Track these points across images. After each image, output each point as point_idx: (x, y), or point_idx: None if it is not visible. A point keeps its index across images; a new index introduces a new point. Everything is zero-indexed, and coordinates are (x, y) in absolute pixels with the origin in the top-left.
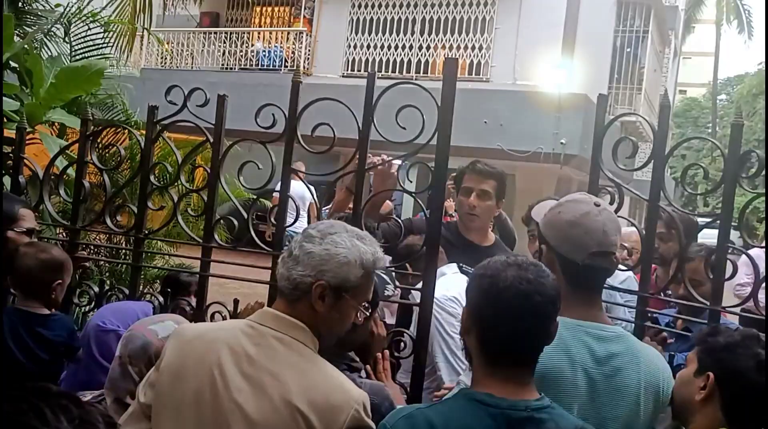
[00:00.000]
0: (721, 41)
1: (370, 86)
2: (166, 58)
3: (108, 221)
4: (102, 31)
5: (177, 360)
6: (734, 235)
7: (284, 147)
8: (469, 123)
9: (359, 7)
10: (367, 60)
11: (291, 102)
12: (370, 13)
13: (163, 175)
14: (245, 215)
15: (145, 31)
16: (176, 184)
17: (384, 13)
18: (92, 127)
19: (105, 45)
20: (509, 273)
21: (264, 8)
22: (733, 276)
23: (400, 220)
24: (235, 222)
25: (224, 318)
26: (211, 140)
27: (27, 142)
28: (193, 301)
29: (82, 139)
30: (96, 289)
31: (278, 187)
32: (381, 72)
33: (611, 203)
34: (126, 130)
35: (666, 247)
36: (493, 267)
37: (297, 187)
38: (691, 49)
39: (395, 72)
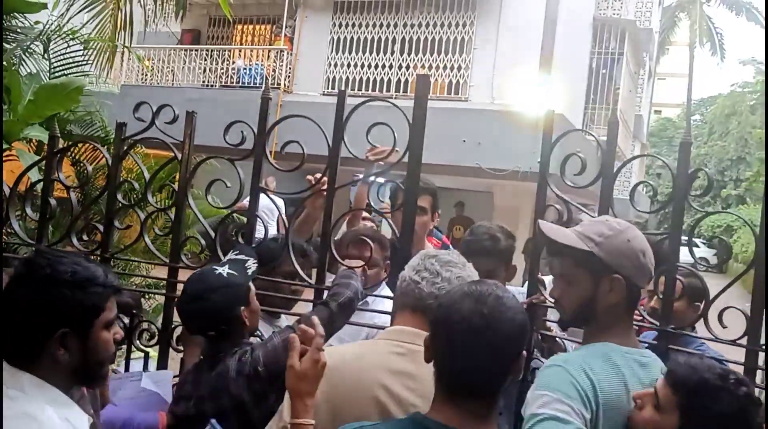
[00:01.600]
0: (694, 63)
1: (341, 104)
2: (147, 75)
3: (74, 240)
4: (81, 48)
5: (330, 390)
6: (708, 252)
7: (253, 164)
8: (448, 142)
9: (340, 26)
10: (347, 78)
11: (260, 119)
12: (351, 32)
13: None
14: (212, 234)
15: (125, 48)
16: (143, 202)
17: (365, 32)
18: (60, 144)
19: (84, 62)
20: (465, 305)
21: (245, 26)
22: (680, 297)
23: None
24: (202, 241)
25: None
26: (179, 157)
27: (5, 158)
28: (126, 319)
29: (48, 156)
30: None
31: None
32: (361, 90)
33: (560, 219)
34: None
35: None
36: (451, 297)
37: (264, 200)
38: (666, 70)
39: (375, 90)
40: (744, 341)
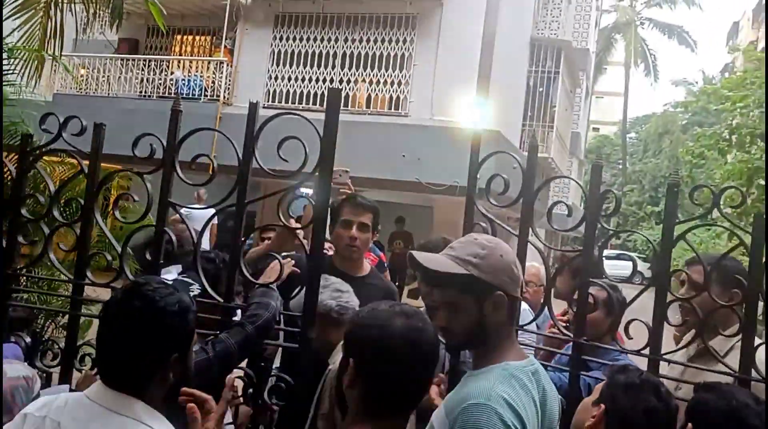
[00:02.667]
0: (629, 83)
1: (251, 116)
2: (82, 84)
3: None
4: (7, 56)
5: None
6: (644, 266)
7: (161, 177)
8: (388, 156)
9: (281, 39)
10: (288, 92)
11: (169, 132)
12: (292, 45)
13: (75, 207)
14: (118, 249)
15: (53, 57)
16: (49, 217)
17: (306, 46)
18: None
19: (10, 71)
20: (398, 322)
21: (185, 37)
22: (593, 309)
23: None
24: (108, 256)
25: (94, 361)
26: (85, 170)
27: None
28: (27, 337)
29: None
30: None
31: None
32: (302, 104)
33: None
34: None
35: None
36: (381, 317)
37: (198, 212)
38: (604, 89)
39: (316, 104)
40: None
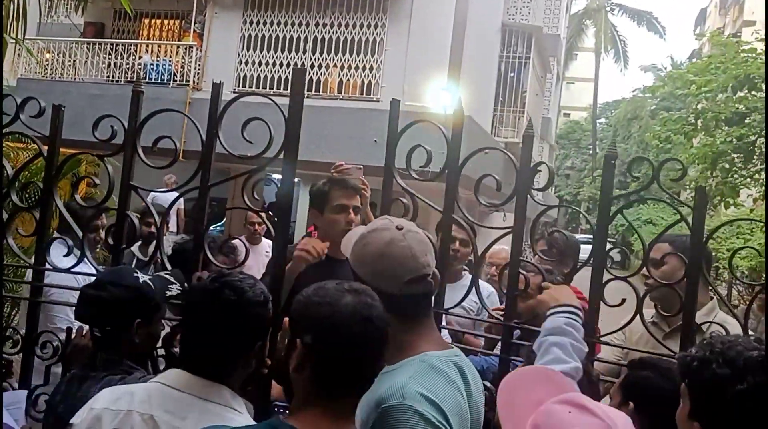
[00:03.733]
0: (599, 68)
1: (214, 98)
2: (46, 68)
3: None
4: None
5: None
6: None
7: (123, 161)
8: (360, 142)
9: (251, 23)
10: (258, 77)
11: (130, 114)
12: (262, 30)
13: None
14: (79, 233)
15: (16, 40)
16: (7, 201)
17: (276, 30)
18: None
19: None
20: (349, 299)
21: (153, 20)
22: (525, 288)
23: None
24: (69, 242)
25: (56, 348)
26: (45, 154)
27: None
28: None
29: None
30: None
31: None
32: (273, 89)
33: (405, 214)
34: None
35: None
36: (331, 294)
37: (164, 196)
38: (575, 74)
39: (287, 89)
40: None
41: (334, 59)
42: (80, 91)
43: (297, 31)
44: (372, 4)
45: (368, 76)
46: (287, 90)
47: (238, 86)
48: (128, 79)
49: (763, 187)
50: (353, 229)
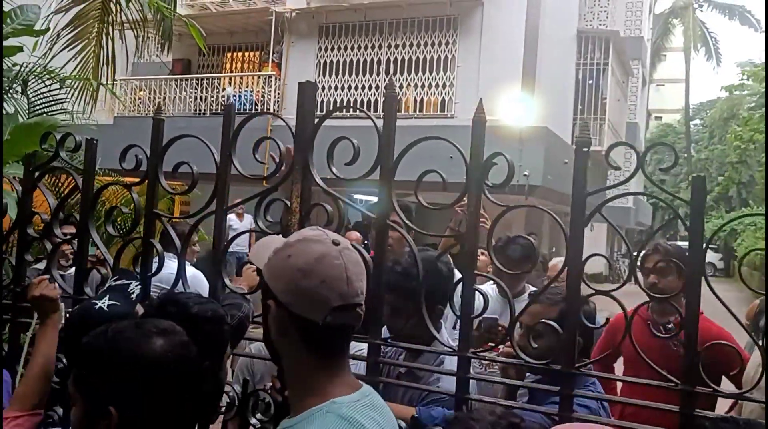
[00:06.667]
0: (690, 68)
1: (226, 122)
2: (139, 106)
3: None
4: (61, 86)
5: None
6: (715, 257)
7: (146, 188)
8: (436, 159)
9: (326, 50)
10: (335, 100)
11: (152, 141)
12: (337, 55)
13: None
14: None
15: (116, 82)
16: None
17: (350, 55)
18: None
19: (65, 100)
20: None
21: (234, 54)
22: (483, 311)
23: None
24: (103, 271)
25: None
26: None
27: None
28: None
29: None
30: None
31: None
32: (349, 112)
33: (329, 223)
34: (64, 175)
35: (665, 281)
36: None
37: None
38: (664, 76)
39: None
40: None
41: (407, 79)
42: (170, 125)
43: (370, 54)
44: (442, 23)
45: (441, 93)
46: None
47: (317, 111)
48: (213, 112)
49: None
50: (271, 237)
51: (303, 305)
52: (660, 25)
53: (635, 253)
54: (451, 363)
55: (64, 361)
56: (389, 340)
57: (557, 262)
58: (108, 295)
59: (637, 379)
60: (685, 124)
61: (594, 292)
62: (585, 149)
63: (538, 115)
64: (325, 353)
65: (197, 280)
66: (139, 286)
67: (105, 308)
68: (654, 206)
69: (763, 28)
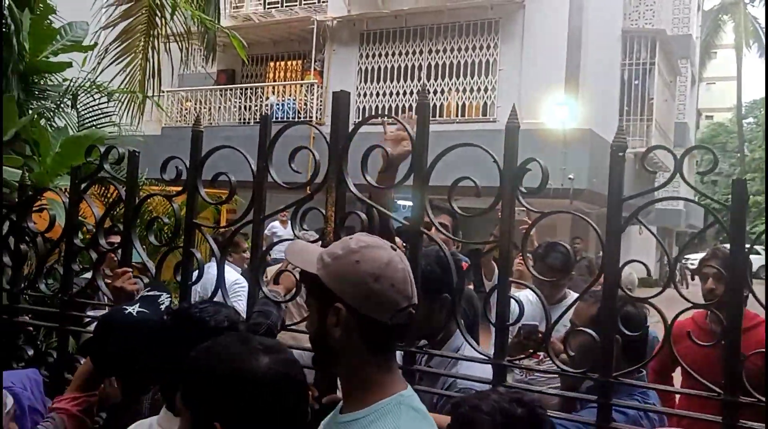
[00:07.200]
0: (742, 65)
1: (263, 131)
2: (185, 116)
3: (42, 285)
4: (109, 99)
5: None
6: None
7: (186, 198)
8: (478, 163)
9: (367, 57)
10: (377, 107)
11: (192, 153)
12: (378, 62)
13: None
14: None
15: (163, 93)
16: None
17: (391, 61)
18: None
19: (112, 113)
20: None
21: (277, 62)
22: (519, 318)
23: None
24: (144, 279)
25: None
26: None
27: (37, 207)
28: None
29: (20, 205)
30: (31, 351)
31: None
32: (383, 119)
33: (363, 229)
34: (112, 186)
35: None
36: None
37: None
38: (715, 74)
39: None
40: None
41: (448, 83)
42: (215, 134)
43: (411, 60)
44: (483, 26)
45: (483, 97)
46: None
47: (358, 118)
48: (257, 121)
49: None
50: (298, 242)
51: (373, 307)
52: (710, 22)
53: (677, 257)
54: (468, 366)
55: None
56: (423, 349)
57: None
58: (138, 303)
59: (673, 389)
60: (737, 123)
61: (630, 298)
62: (620, 154)
63: (582, 118)
64: (384, 351)
65: (239, 286)
66: (169, 298)
67: (134, 313)
68: (705, 208)
69: None
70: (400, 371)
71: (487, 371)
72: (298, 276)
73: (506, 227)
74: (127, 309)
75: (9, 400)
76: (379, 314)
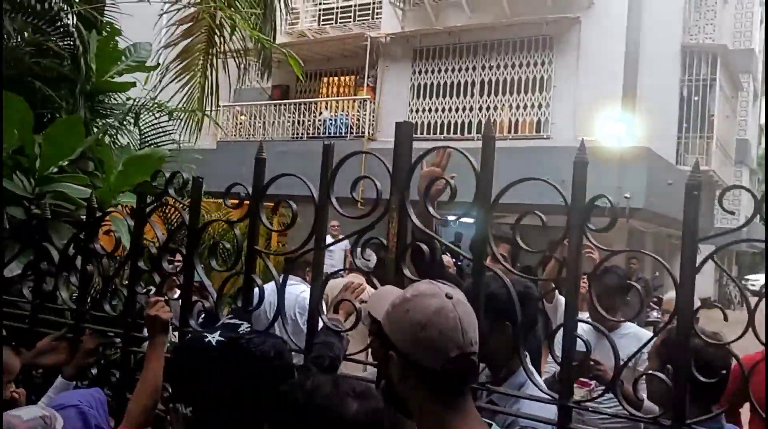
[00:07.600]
0: None
1: (325, 157)
2: (240, 131)
3: (107, 306)
4: (169, 116)
5: None
6: None
7: (317, 211)
8: (532, 181)
9: (420, 73)
10: (429, 123)
11: (254, 180)
12: (431, 78)
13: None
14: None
15: (219, 108)
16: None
17: (444, 77)
18: (97, 213)
19: (172, 131)
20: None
21: (330, 78)
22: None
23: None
24: (206, 303)
25: None
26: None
27: (104, 228)
28: None
29: (88, 226)
30: (94, 371)
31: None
32: (443, 134)
33: (425, 261)
34: (176, 204)
35: None
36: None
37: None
38: None
39: (457, 133)
40: None
41: (502, 100)
42: (269, 149)
43: (464, 76)
44: (538, 42)
45: (537, 113)
46: (457, 134)
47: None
48: (310, 135)
49: None
50: (386, 288)
51: (421, 354)
52: None
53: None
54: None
55: (170, 390)
56: (486, 385)
57: (672, 298)
58: (219, 332)
59: None
60: None
61: (705, 342)
62: (695, 193)
63: (639, 135)
64: (451, 395)
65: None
66: (249, 328)
67: (213, 343)
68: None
69: None
70: (478, 414)
71: (546, 408)
72: (357, 304)
73: (573, 265)
74: (207, 336)
75: (59, 423)
76: (428, 361)
